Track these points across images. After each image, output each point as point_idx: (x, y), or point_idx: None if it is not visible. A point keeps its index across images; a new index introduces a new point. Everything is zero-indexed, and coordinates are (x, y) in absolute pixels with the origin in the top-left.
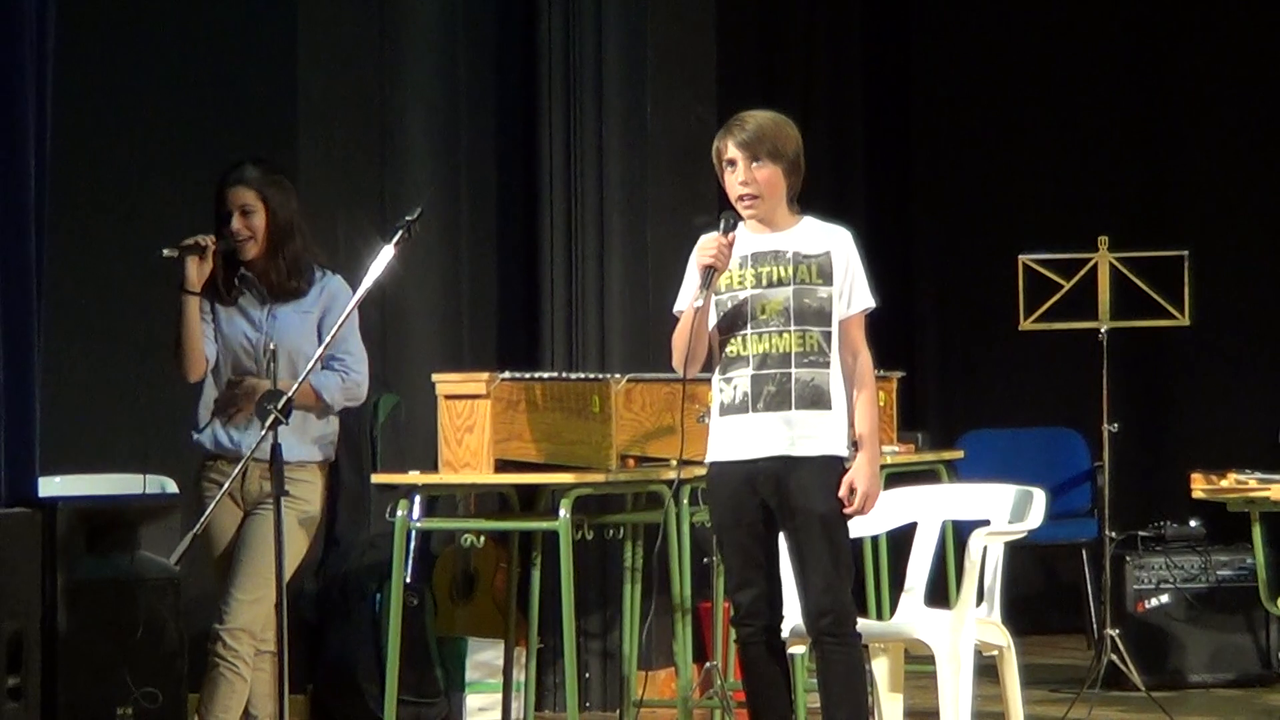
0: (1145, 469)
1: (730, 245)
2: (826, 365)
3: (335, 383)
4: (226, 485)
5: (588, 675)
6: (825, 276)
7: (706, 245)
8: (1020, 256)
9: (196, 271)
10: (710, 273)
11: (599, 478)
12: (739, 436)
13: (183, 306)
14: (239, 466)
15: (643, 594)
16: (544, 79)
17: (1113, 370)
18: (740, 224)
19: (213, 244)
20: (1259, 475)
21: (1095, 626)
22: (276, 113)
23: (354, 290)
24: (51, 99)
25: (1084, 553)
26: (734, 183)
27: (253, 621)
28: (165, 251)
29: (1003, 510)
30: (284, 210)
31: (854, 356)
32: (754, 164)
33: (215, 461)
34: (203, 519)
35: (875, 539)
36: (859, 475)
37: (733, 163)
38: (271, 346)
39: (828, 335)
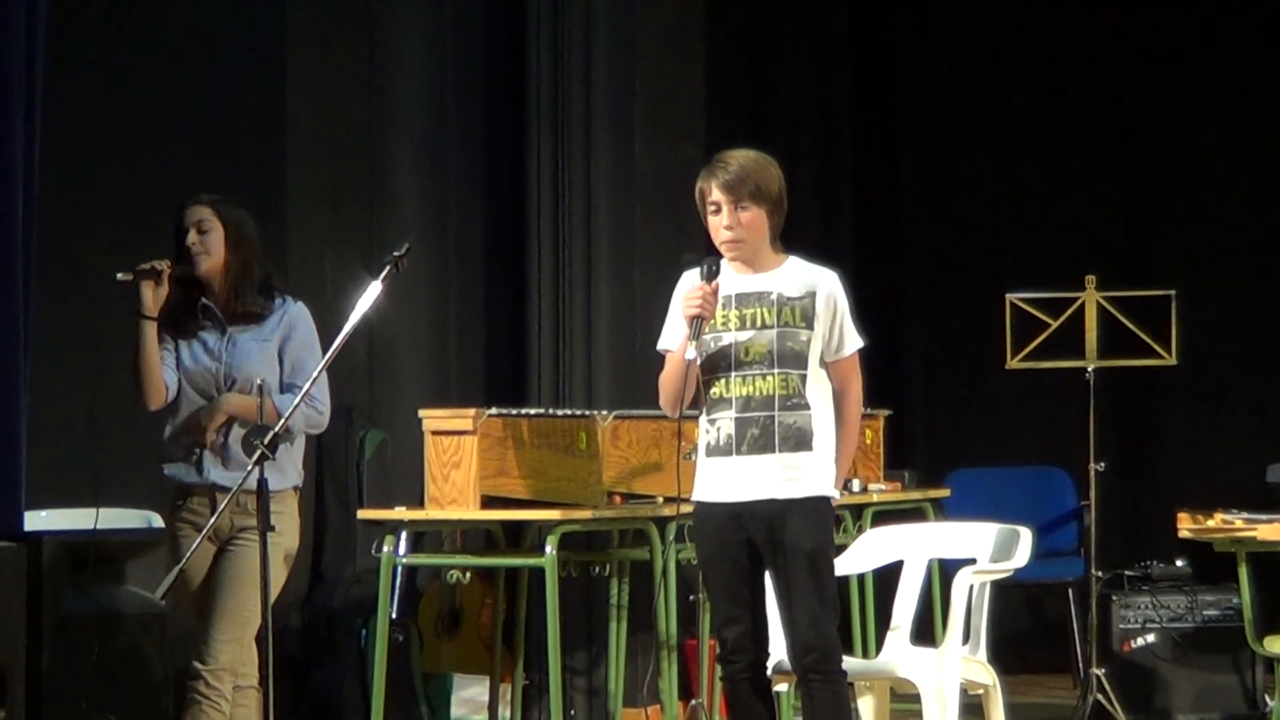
0: (1132, 508)
1: (715, 293)
2: (808, 407)
3: (299, 409)
4: (210, 525)
5: (573, 712)
6: (807, 320)
7: (692, 296)
8: (1007, 295)
9: (152, 296)
10: (698, 322)
11: (585, 514)
12: (724, 478)
13: (140, 332)
14: (223, 505)
15: (629, 631)
16: (532, 117)
17: (1099, 409)
18: (722, 264)
19: (168, 268)
20: (1245, 515)
21: (1081, 666)
22: (265, 150)
23: (314, 317)
24: (40, 136)
25: (1070, 592)
26: (718, 226)
27: (234, 660)
28: (120, 275)
29: (989, 549)
30: (237, 231)
31: (843, 393)
32: (738, 208)
33: (187, 499)
34: (187, 556)
35: (862, 577)
36: None
37: (716, 205)
38: (259, 382)
39: (804, 378)
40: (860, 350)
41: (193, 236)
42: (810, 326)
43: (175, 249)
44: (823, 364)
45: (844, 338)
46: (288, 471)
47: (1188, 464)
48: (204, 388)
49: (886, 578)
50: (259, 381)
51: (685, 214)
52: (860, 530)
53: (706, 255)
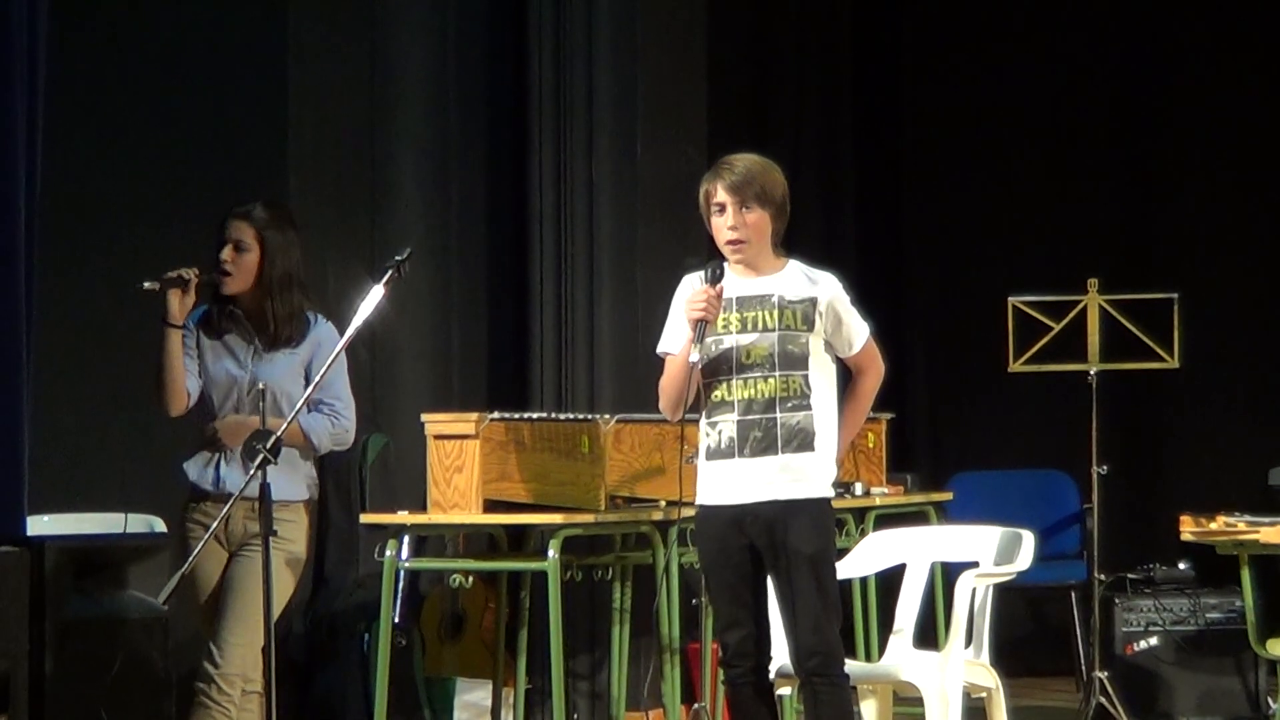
0: (1134, 511)
1: (719, 296)
2: (809, 407)
3: (324, 426)
4: (214, 527)
5: (576, 716)
6: (809, 323)
7: (696, 299)
8: (1010, 299)
9: (179, 304)
10: (702, 326)
11: (588, 518)
12: (726, 481)
13: (164, 339)
14: (226, 507)
15: (631, 634)
16: (534, 120)
17: (1102, 412)
18: (725, 268)
19: (195, 276)
20: (1248, 518)
21: (1084, 669)
22: (267, 155)
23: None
24: (42, 138)
25: (1073, 595)
26: (722, 227)
27: (244, 665)
28: (146, 284)
29: (992, 552)
30: (282, 258)
31: (861, 377)
32: (743, 209)
33: (200, 502)
34: (190, 559)
35: (864, 580)
36: None
37: (721, 207)
38: (261, 386)
39: (807, 378)
40: (873, 333)
41: (228, 253)
42: (811, 328)
43: (215, 250)
44: (836, 358)
45: (852, 334)
46: (300, 483)
47: (1190, 467)
48: (227, 394)
49: (889, 581)
50: (261, 385)
51: (688, 217)
52: (863, 533)
53: (709, 259)
